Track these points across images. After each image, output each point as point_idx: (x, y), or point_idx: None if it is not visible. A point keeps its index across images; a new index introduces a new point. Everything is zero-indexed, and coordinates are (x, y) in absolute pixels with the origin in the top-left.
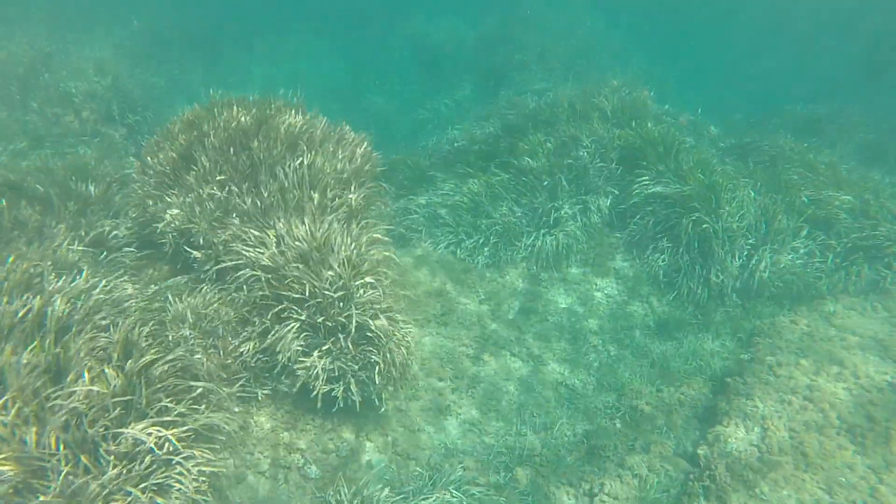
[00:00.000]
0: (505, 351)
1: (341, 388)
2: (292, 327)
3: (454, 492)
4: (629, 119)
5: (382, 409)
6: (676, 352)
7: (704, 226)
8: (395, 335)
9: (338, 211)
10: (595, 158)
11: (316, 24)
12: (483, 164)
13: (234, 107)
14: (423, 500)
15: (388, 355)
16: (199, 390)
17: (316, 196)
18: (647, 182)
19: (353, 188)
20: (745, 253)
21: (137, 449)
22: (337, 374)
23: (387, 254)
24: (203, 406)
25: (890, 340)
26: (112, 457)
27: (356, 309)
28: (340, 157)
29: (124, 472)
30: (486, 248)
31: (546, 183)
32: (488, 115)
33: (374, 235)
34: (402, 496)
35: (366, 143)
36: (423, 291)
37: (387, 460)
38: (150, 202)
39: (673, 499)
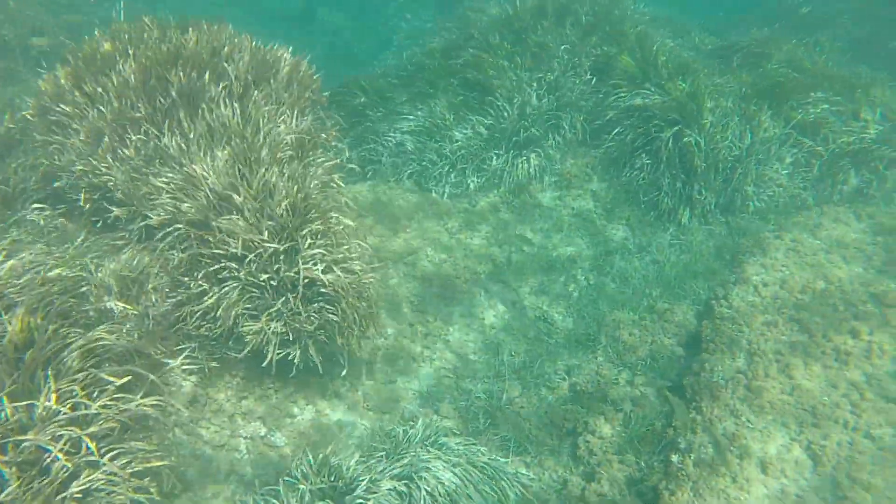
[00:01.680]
0: (478, 288)
1: (298, 352)
2: (232, 288)
3: (431, 448)
4: (604, 23)
5: (346, 369)
6: (658, 277)
7: (686, 139)
8: (354, 287)
9: (275, 148)
10: (568, 70)
11: None
12: (445, 82)
13: (148, 30)
14: (398, 460)
15: (347, 311)
16: (129, 377)
17: (248, 132)
18: (623, 94)
19: (292, 120)
20: (730, 166)
21: (47, 456)
22: (291, 337)
23: (339, 195)
24: (137, 391)
25: (873, 250)
26: (14, 468)
27: (305, 263)
28: (273, 85)
29: (32, 485)
30: (452, 176)
31: (515, 100)
32: (450, 26)
33: (321, 174)
34: (375, 460)
35: (304, 66)
36: (388, 230)
37: (357, 418)
38: (55, 151)
39: (658, 433)
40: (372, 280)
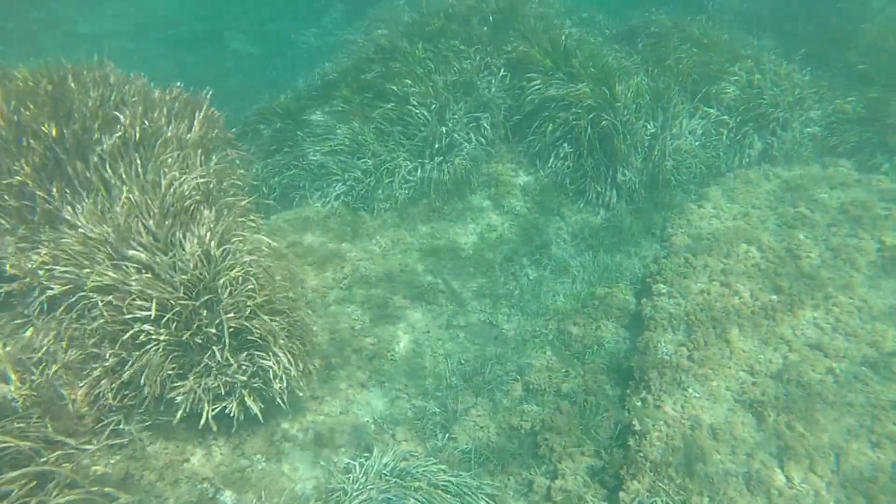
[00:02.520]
0: (419, 301)
1: (235, 404)
2: (152, 352)
3: (390, 478)
4: (512, 19)
5: (290, 411)
6: (594, 262)
7: (604, 123)
8: (283, 329)
9: (181, 196)
10: (482, 70)
11: None
12: (361, 97)
13: (23, 81)
14: (356, 498)
15: (280, 354)
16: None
17: (148, 184)
18: (538, 86)
19: (197, 164)
20: (647, 144)
21: None
22: (225, 390)
23: (259, 234)
24: (53, 490)
25: (783, 208)
26: None
27: (227, 313)
28: (173, 129)
29: None
30: (380, 191)
31: (433, 106)
32: (361, 39)
33: (235, 216)
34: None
35: (206, 104)
36: (318, 258)
37: (311, 458)
38: None
39: (614, 418)
40: (303, 316)
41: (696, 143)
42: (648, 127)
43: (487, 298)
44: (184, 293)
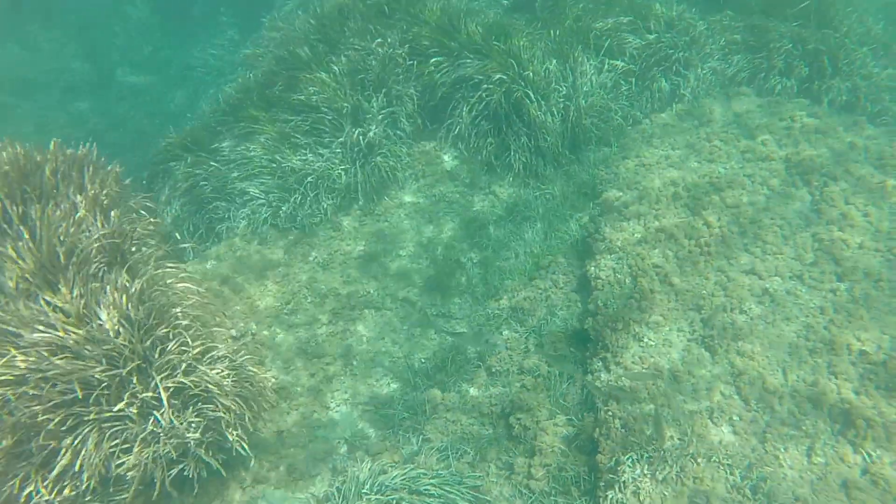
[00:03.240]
0: (369, 309)
1: (192, 465)
2: (87, 434)
3: (370, 495)
4: (409, 4)
5: (256, 452)
6: (534, 232)
7: (516, 94)
8: (228, 374)
9: (83, 261)
10: (387, 63)
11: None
12: (269, 113)
13: None
14: None
15: (229, 401)
16: None
17: (42, 254)
18: (446, 69)
19: (98, 223)
20: (562, 106)
21: None
22: (177, 453)
23: (184, 283)
24: None
25: (700, 144)
26: None
27: (161, 374)
28: (62, 190)
29: None
30: (307, 206)
31: (344, 110)
32: (258, 52)
33: (150, 270)
34: None
35: (93, 159)
36: (257, 287)
37: (289, 495)
38: None
39: (579, 383)
40: (247, 357)
41: (609, 97)
42: (560, 89)
43: (437, 291)
44: (109, 364)
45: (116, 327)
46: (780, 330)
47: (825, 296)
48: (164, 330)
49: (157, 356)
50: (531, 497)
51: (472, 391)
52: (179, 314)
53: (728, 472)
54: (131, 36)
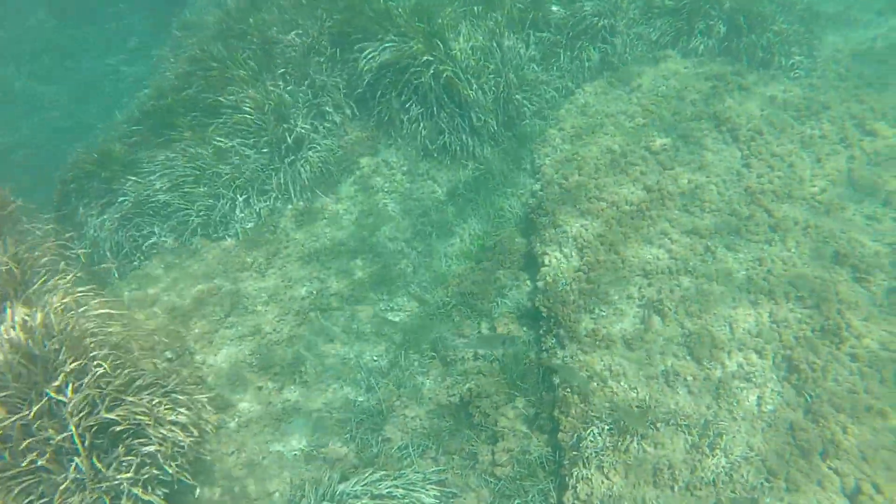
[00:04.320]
0: (315, 312)
1: None
2: None
3: None
4: None
5: (204, 479)
6: (476, 214)
7: (445, 74)
8: (160, 401)
9: None
10: (309, 53)
11: None
12: (188, 117)
13: None
14: None
15: (164, 430)
16: None
17: None
18: (371, 54)
19: None
20: (493, 83)
21: None
22: (113, 495)
23: (100, 310)
24: None
25: (632, 110)
26: None
27: (77, 414)
28: None
29: None
30: (237, 211)
31: (266, 107)
32: (171, 54)
33: (59, 300)
34: None
35: None
36: (191, 302)
37: None
38: None
39: (534, 362)
40: (182, 380)
41: (540, 70)
42: (490, 66)
43: (383, 286)
44: (8, 412)
45: (17, 368)
46: (723, 286)
47: (762, 247)
48: (79, 363)
49: (70, 393)
50: (497, 484)
51: (429, 384)
52: (96, 343)
53: (686, 432)
54: (34, 46)
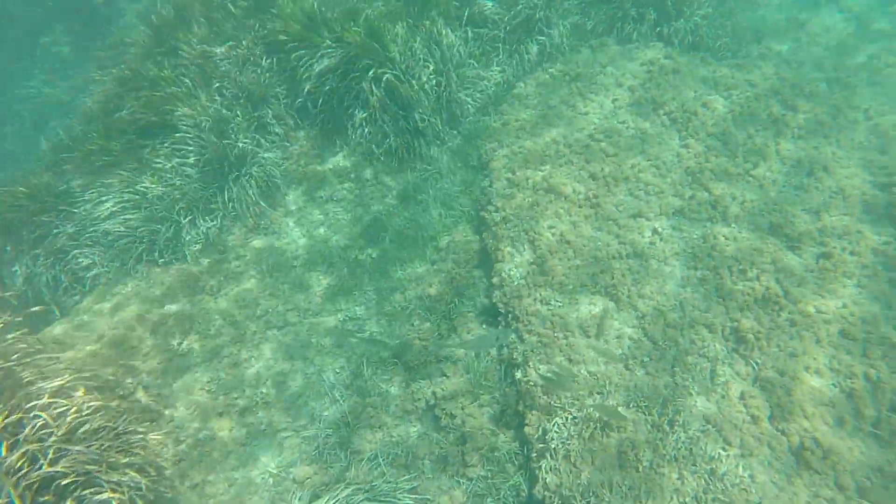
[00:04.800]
0: (272, 330)
1: None
2: None
3: None
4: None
5: None
6: (428, 215)
7: (386, 77)
8: (110, 444)
9: None
10: (245, 65)
11: None
12: (122, 140)
13: None
14: None
15: (117, 475)
16: None
17: None
18: (310, 62)
19: None
20: (434, 82)
21: None
22: None
23: (38, 349)
24: None
25: (573, 99)
26: None
27: (13, 475)
28: None
29: None
30: (184, 233)
31: (204, 124)
32: (98, 75)
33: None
34: None
35: None
36: (141, 332)
37: None
38: None
39: (496, 360)
40: (134, 419)
41: (480, 65)
42: (430, 65)
43: (340, 296)
44: None
45: None
46: (671, 266)
47: (705, 225)
48: (14, 417)
49: (3, 452)
50: (469, 484)
51: (394, 390)
52: (33, 393)
53: (646, 413)
54: None
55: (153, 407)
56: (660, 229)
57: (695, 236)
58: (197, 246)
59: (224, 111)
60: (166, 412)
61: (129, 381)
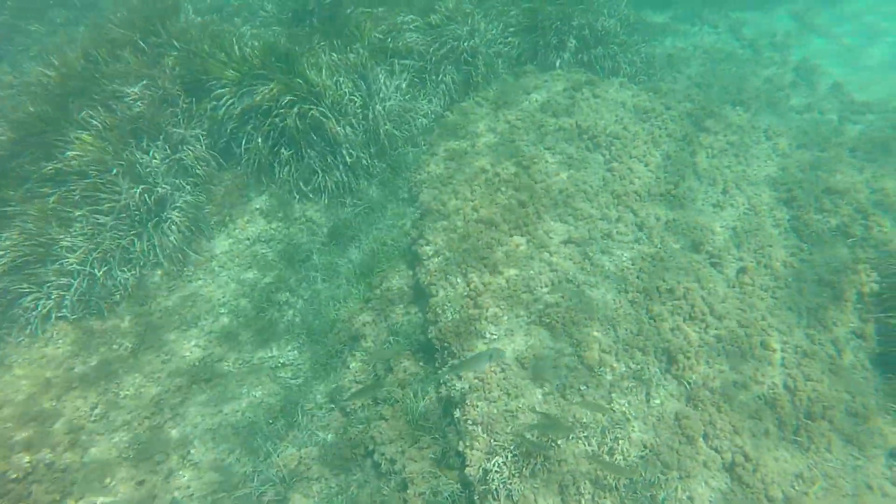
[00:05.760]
0: (198, 384)
1: None
2: None
3: None
4: (172, 38)
5: None
6: (360, 251)
7: (311, 112)
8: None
9: None
10: (161, 105)
11: None
12: (22, 189)
13: None
14: None
15: None
16: None
17: None
18: (230, 100)
19: None
20: (361, 116)
21: None
22: None
23: None
24: None
25: (500, 126)
26: None
27: None
28: None
29: None
30: (97, 288)
31: (115, 170)
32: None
33: None
34: None
35: None
36: (50, 399)
37: None
38: None
39: (434, 399)
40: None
41: (407, 97)
42: (356, 100)
43: (270, 341)
44: None
45: None
46: (602, 291)
47: (633, 247)
48: None
49: None
50: None
51: (330, 438)
52: None
53: (586, 443)
54: None
55: (63, 479)
56: (590, 254)
57: (624, 259)
58: (115, 298)
59: (140, 155)
60: (79, 481)
61: (38, 452)
